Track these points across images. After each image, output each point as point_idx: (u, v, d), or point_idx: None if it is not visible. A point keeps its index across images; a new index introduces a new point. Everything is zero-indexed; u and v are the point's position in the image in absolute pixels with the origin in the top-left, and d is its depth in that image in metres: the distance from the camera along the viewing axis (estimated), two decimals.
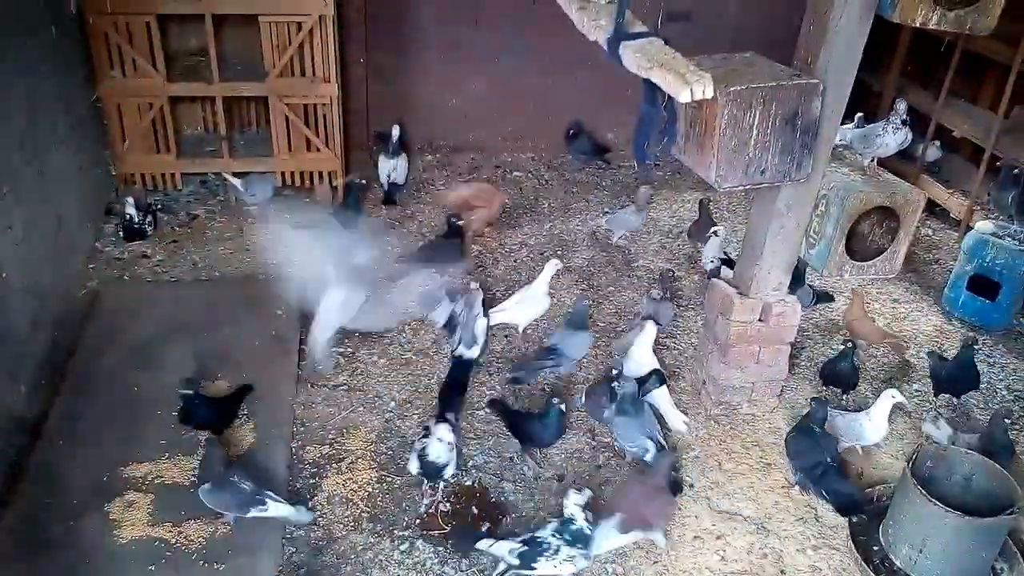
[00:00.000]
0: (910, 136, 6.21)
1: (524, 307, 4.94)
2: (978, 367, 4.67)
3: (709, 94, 3.00)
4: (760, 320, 4.37)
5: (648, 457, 4.10)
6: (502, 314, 4.90)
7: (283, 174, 6.27)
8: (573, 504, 3.51)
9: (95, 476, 3.84)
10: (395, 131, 6.26)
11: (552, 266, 4.98)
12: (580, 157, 7.15)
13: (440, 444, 3.79)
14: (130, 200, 5.62)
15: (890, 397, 4.22)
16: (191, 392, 3.97)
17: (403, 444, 4.26)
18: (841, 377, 4.66)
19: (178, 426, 4.05)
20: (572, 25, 3.58)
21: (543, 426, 4.10)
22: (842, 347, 4.64)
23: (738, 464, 4.30)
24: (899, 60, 7.08)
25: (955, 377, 4.63)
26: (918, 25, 3.63)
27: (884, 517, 3.87)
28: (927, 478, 3.75)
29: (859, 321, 5.00)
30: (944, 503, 3.52)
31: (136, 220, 5.62)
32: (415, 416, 4.45)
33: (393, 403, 4.54)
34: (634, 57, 3.21)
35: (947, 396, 4.74)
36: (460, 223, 5.38)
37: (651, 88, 3.23)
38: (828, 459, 3.98)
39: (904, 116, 6.11)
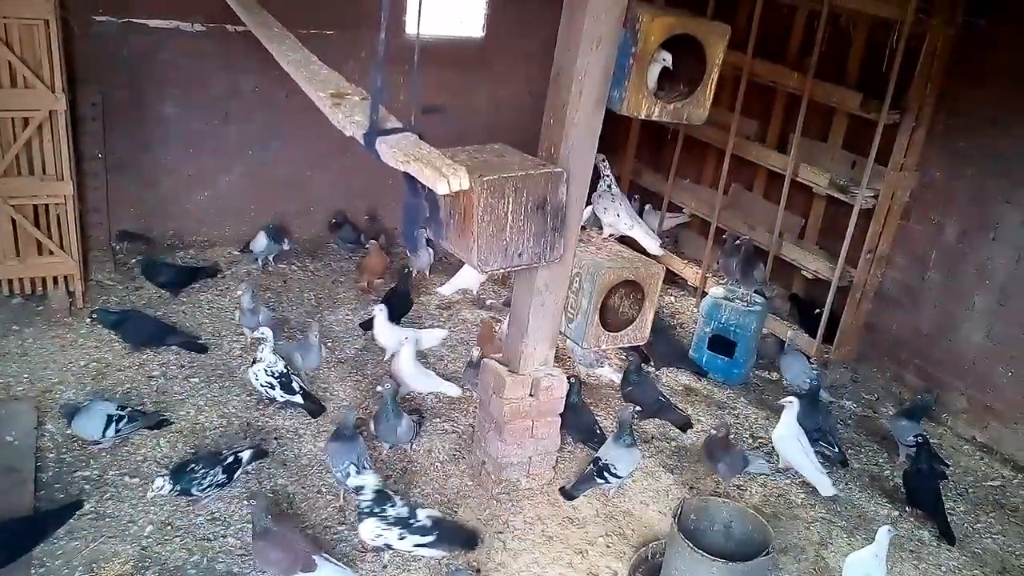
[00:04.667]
0: (616, 198, 6.49)
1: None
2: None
3: (465, 185, 3.13)
4: (531, 395, 4.52)
5: (349, 482, 4.17)
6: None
7: (10, 282, 5.64)
8: None
9: None
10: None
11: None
12: (346, 246, 7.12)
13: None
14: None
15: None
16: None
17: (164, 572, 3.87)
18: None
19: None
20: (328, 118, 3.60)
21: None
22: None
23: (522, 541, 4.34)
24: (632, 147, 7.83)
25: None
26: (643, 117, 4.04)
27: (660, 573, 4.06)
28: (692, 530, 4.00)
29: (490, 345, 5.46)
30: (709, 552, 3.76)
31: None
32: (176, 540, 4.06)
33: (150, 527, 4.12)
34: (391, 152, 3.28)
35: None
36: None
37: (411, 180, 3.31)
38: None
39: (609, 181, 6.51)
